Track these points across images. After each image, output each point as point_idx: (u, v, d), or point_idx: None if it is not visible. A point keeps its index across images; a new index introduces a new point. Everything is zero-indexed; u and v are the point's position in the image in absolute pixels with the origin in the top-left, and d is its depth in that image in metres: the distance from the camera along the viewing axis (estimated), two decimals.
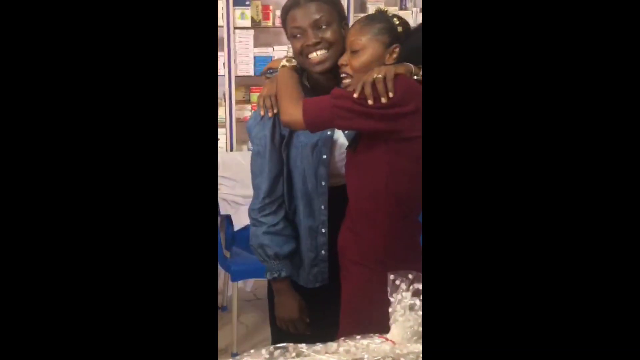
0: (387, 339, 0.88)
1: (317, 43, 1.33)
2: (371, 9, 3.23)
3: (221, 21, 3.02)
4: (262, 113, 1.41)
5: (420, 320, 0.87)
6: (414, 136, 1.21)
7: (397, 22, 1.30)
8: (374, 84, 1.19)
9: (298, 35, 1.35)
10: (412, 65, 1.25)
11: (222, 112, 3.09)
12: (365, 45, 1.29)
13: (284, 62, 1.42)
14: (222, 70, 3.05)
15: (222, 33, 3.00)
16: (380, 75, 1.19)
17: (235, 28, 3.05)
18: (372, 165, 1.30)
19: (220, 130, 3.07)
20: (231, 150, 3.12)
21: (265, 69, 1.52)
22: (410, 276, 0.91)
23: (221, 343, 2.44)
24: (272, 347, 0.84)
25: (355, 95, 1.20)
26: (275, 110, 1.38)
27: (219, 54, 3.01)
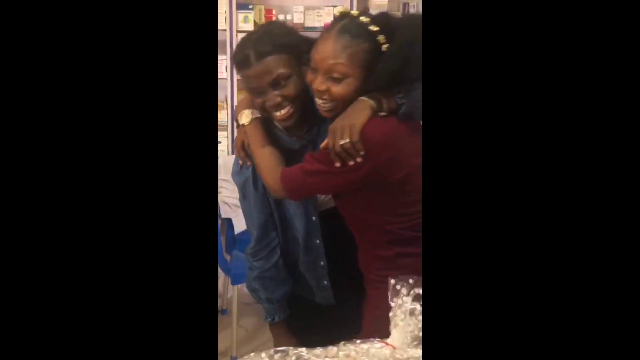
0: (387, 344, 0.87)
1: (280, 103, 1.20)
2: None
3: (224, 25, 3.03)
4: (240, 163, 1.36)
5: (420, 325, 0.87)
6: (399, 178, 1.15)
7: (383, 41, 1.11)
8: (341, 148, 1.10)
9: (257, 93, 1.22)
10: (372, 101, 1.12)
11: (224, 116, 3.09)
12: (348, 74, 1.12)
13: (247, 116, 1.30)
14: (224, 74, 3.05)
15: (225, 37, 3.01)
16: (346, 141, 1.09)
17: (237, 32, 3.05)
18: (365, 204, 1.23)
19: (222, 134, 3.08)
20: (232, 153, 3.13)
21: (236, 121, 1.41)
22: (410, 281, 0.91)
23: (221, 346, 2.43)
24: (272, 351, 0.84)
25: (337, 165, 1.12)
26: (249, 163, 1.33)
27: (222, 57, 3.01)
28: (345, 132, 1.09)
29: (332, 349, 0.85)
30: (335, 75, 1.12)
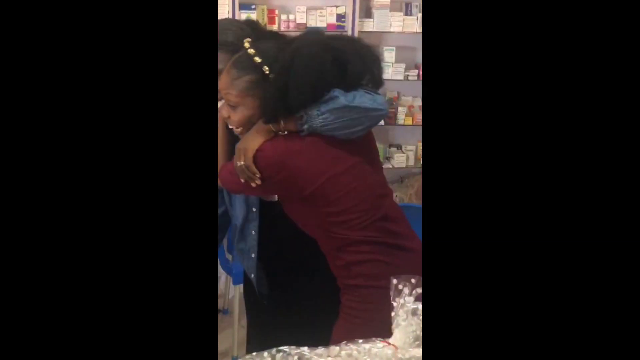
0: (389, 344, 0.87)
1: None
2: (376, 14, 3.24)
3: None
4: None
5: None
6: (313, 191, 1.18)
7: (267, 71, 1.17)
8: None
9: None
10: (270, 124, 1.18)
11: None
12: (239, 103, 1.21)
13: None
14: None
15: None
16: (241, 163, 1.18)
17: None
18: (300, 212, 1.27)
19: None
20: None
21: None
22: (413, 280, 0.91)
23: (222, 346, 2.43)
24: (274, 350, 0.84)
25: (242, 180, 1.21)
26: None
27: None
28: (240, 154, 1.19)
29: (334, 349, 0.85)
30: (230, 103, 1.22)
